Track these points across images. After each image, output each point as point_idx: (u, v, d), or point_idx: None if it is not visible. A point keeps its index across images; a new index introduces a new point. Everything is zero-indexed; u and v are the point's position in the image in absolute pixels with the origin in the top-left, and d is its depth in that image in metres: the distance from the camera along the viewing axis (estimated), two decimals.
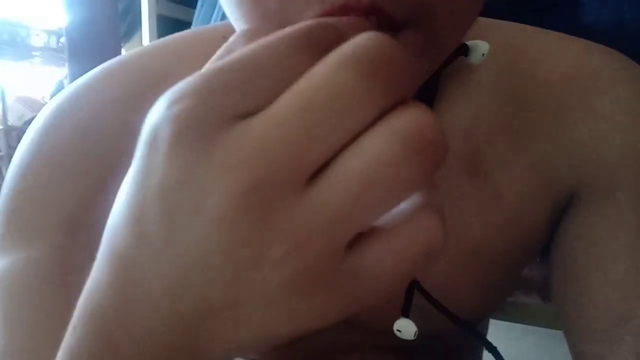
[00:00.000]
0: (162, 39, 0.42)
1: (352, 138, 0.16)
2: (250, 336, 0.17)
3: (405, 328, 0.35)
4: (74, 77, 1.14)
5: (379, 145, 0.15)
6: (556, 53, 0.36)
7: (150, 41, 1.33)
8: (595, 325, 0.34)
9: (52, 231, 0.34)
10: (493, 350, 0.36)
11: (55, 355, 0.20)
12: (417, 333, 0.35)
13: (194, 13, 1.15)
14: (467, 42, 0.34)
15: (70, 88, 0.40)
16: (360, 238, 0.16)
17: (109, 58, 0.41)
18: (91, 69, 0.41)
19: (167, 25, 1.37)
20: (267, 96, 0.16)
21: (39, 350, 0.31)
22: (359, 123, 0.16)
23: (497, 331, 0.58)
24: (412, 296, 0.35)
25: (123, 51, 1.31)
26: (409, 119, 0.15)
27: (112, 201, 0.18)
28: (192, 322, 0.17)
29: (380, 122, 0.16)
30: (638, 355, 0.32)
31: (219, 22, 0.75)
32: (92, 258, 0.19)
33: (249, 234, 0.15)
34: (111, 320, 0.18)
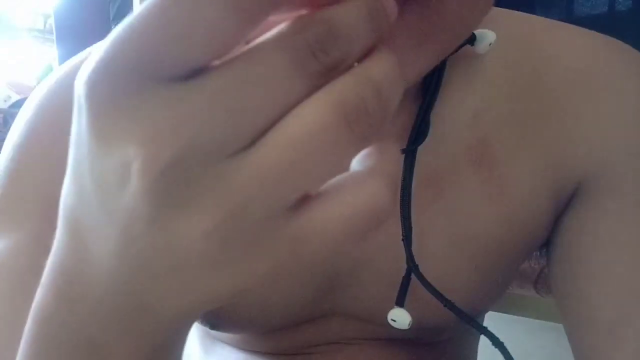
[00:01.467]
0: None
1: (292, 106, 0.15)
2: (196, 298, 0.17)
3: (400, 318, 0.35)
4: (62, 60, 1.12)
5: (317, 111, 0.15)
6: (566, 46, 0.36)
7: None
8: (598, 322, 0.34)
9: (35, 217, 0.34)
10: (500, 345, 0.35)
11: None
12: (411, 323, 0.35)
13: None
14: (474, 31, 0.33)
15: (61, 70, 0.39)
16: (305, 201, 0.16)
17: (98, 40, 0.40)
18: (79, 51, 0.40)
19: None
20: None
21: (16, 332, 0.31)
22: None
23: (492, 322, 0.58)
24: (408, 285, 0.35)
25: None
26: (349, 87, 0.15)
27: None
28: (136, 283, 0.17)
29: (320, 91, 0.15)
30: None
31: None
32: None
33: (174, 205, 0.15)
34: (67, 278, 0.18)
